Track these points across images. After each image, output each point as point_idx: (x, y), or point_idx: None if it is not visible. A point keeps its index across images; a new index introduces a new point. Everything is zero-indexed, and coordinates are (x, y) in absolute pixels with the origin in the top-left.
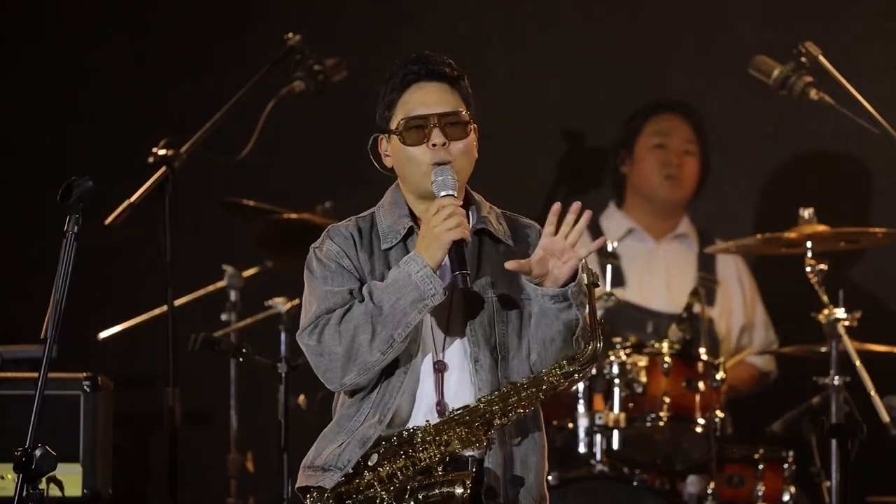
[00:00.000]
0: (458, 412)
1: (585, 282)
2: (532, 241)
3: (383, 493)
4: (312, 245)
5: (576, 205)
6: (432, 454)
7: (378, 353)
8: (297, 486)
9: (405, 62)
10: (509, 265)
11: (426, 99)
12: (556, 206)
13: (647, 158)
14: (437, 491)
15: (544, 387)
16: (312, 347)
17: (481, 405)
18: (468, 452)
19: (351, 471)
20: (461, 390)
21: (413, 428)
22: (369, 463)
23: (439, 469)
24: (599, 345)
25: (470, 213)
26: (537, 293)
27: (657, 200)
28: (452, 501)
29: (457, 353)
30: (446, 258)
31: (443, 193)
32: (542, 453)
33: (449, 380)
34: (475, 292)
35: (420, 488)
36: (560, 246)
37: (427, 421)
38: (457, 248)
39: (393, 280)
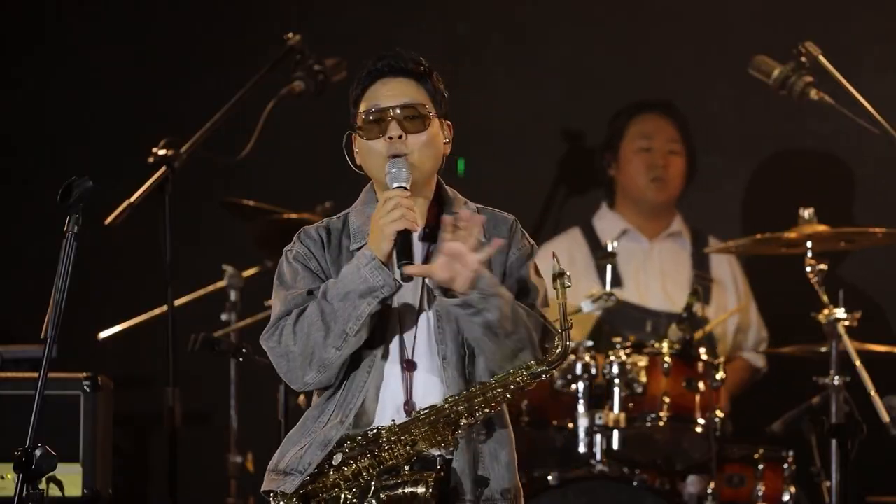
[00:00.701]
0: (425, 412)
1: (556, 284)
2: (503, 235)
3: (347, 492)
4: (285, 249)
5: (464, 212)
6: (398, 454)
7: (333, 349)
8: (262, 489)
9: (375, 58)
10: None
11: (387, 93)
12: (449, 218)
13: (632, 161)
14: (400, 491)
15: (511, 387)
16: (273, 350)
17: (447, 405)
18: (436, 452)
19: (315, 471)
20: (431, 389)
21: (378, 427)
22: (334, 463)
23: (406, 469)
24: (569, 344)
25: (443, 207)
26: (441, 302)
27: (645, 202)
28: (416, 501)
29: (426, 351)
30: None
31: (394, 185)
32: (511, 447)
33: (418, 379)
34: (446, 289)
35: (384, 488)
36: (455, 249)
37: (393, 420)
38: (403, 239)
39: (343, 275)
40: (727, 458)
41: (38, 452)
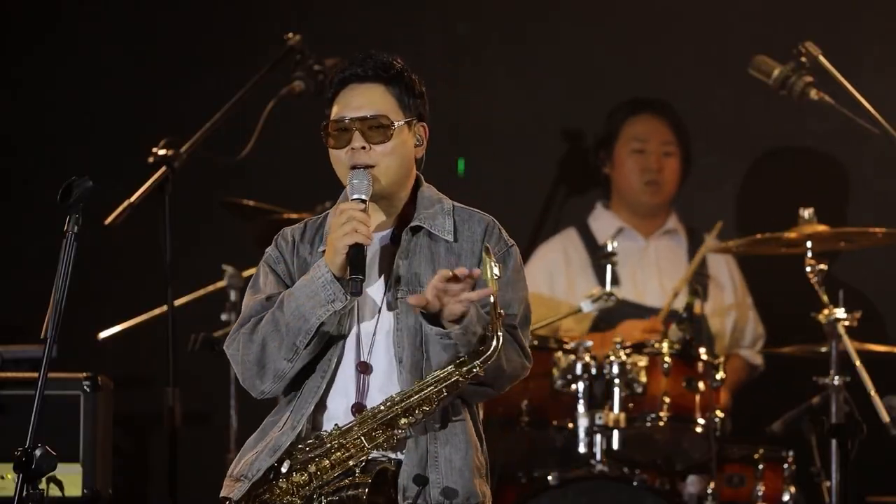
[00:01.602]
0: (364, 414)
1: (487, 276)
2: (477, 236)
3: (297, 499)
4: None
5: (460, 270)
6: (343, 457)
7: (284, 361)
8: (220, 495)
9: (346, 61)
10: (411, 300)
11: (350, 101)
12: (445, 272)
13: (626, 163)
14: (343, 494)
15: (446, 383)
16: (233, 356)
17: (384, 406)
18: (390, 454)
19: (263, 478)
20: (385, 392)
21: (322, 433)
22: (282, 470)
23: (357, 471)
24: (499, 343)
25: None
26: (425, 327)
27: (640, 204)
28: None
29: (383, 354)
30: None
31: (353, 197)
32: (470, 453)
33: (373, 382)
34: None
35: (329, 493)
36: (454, 289)
37: (336, 425)
38: (355, 252)
39: (297, 286)
40: (727, 458)
41: (38, 452)
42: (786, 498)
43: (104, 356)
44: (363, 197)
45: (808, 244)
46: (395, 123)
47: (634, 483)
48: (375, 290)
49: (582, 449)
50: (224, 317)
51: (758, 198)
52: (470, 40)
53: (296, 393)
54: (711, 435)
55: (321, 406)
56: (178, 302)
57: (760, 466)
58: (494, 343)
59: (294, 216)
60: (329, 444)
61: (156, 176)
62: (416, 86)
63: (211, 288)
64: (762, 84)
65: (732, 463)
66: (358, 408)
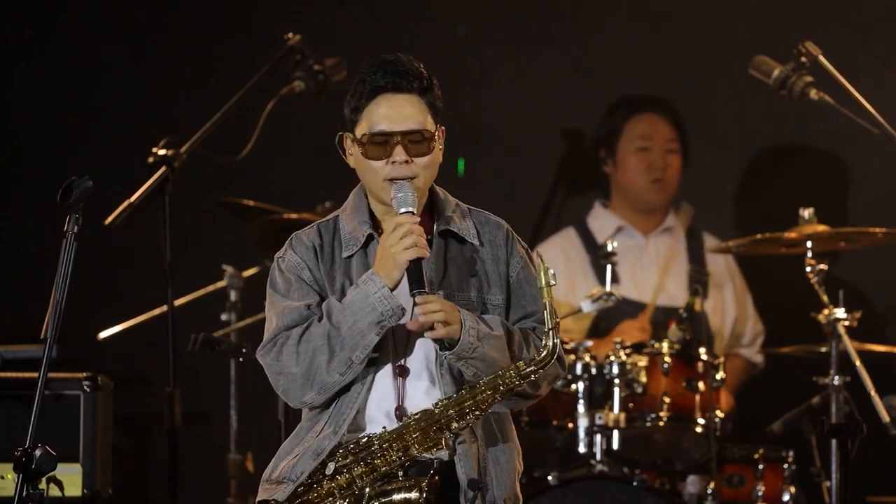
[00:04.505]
0: (416, 417)
1: (542, 283)
2: (500, 241)
3: (342, 501)
4: (276, 255)
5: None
6: (391, 460)
7: (337, 375)
8: (256, 499)
9: (376, 66)
10: (410, 326)
11: (391, 114)
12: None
13: (630, 162)
14: (394, 497)
15: (501, 388)
16: (271, 366)
17: (437, 409)
18: (433, 455)
19: (307, 481)
20: (423, 395)
21: (370, 435)
22: (326, 472)
23: (400, 474)
24: (557, 342)
25: (434, 214)
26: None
27: (644, 202)
28: None
29: (419, 357)
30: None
31: (402, 210)
32: (513, 455)
33: (410, 385)
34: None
35: (378, 495)
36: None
37: (384, 427)
38: (414, 266)
39: (351, 301)
40: (727, 458)
41: (38, 452)
42: (786, 498)
43: (104, 356)
44: (412, 209)
45: (808, 244)
46: (435, 136)
47: (634, 483)
48: (408, 293)
49: (582, 449)
50: (224, 317)
51: (758, 198)
52: (470, 40)
53: (333, 397)
54: (711, 435)
55: (360, 410)
56: (178, 302)
57: (760, 466)
58: (550, 348)
59: (294, 216)
60: (378, 446)
61: (156, 176)
62: (440, 90)
63: (211, 288)
64: (762, 84)
65: (732, 463)
66: (400, 411)
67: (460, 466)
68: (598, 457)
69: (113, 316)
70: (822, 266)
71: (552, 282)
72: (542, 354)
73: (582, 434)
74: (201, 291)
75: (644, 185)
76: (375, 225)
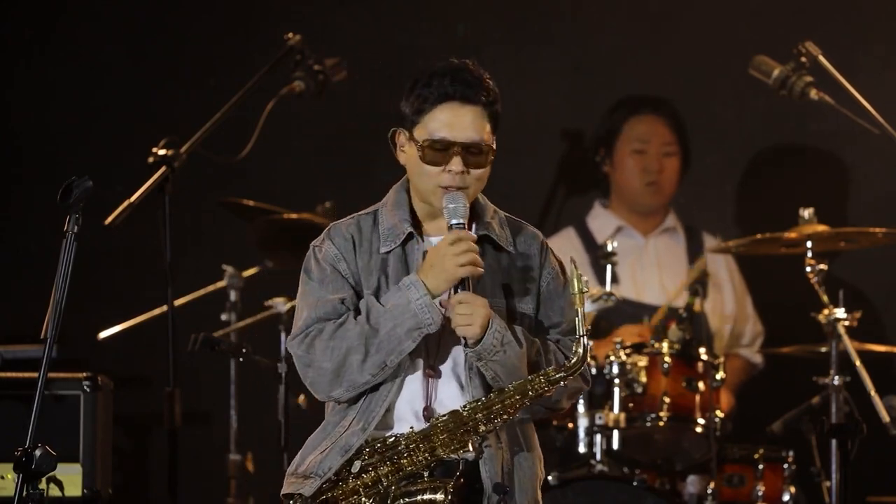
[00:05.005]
0: (444, 418)
1: (575, 290)
2: (534, 252)
3: (367, 499)
4: (313, 243)
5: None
6: (417, 460)
7: (368, 375)
8: (281, 493)
9: (444, 71)
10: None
11: (455, 122)
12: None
13: (627, 163)
14: (419, 497)
15: (530, 393)
16: (301, 357)
17: (465, 411)
18: (459, 456)
19: (333, 477)
20: (452, 396)
21: (397, 434)
22: (352, 470)
23: (426, 475)
24: (588, 348)
25: (473, 218)
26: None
27: (639, 204)
28: None
29: (450, 359)
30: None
31: (453, 222)
32: (535, 462)
33: (439, 386)
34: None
35: (403, 495)
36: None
37: (411, 427)
38: (463, 282)
39: (392, 305)
40: (727, 458)
41: (38, 452)
42: (786, 498)
43: (104, 356)
44: (463, 221)
45: (808, 244)
46: (492, 149)
47: (634, 483)
48: (441, 296)
49: (582, 449)
50: (224, 317)
51: (758, 198)
52: (470, 40)
53: (362, 393)
54: (711, 435)
55: (390, 408)
56: (178, 302)
57: (760, 466)
58: (580, 355)
59: (294, 216)
60: (404, 446)
61: (156, 176)
62: (500, 105)
63: (211, 288)
64: (762, 84)
65: (732, 463)
66: (428, 412)
67: (485, 470)
68: (598, 457)
69: (113, 316)
70: (822, 266)
71: (585, 289)
72: (573, 361)
73: (582, 434)
74: (201, 291)
75: (639, 188)
76: (416, 223)
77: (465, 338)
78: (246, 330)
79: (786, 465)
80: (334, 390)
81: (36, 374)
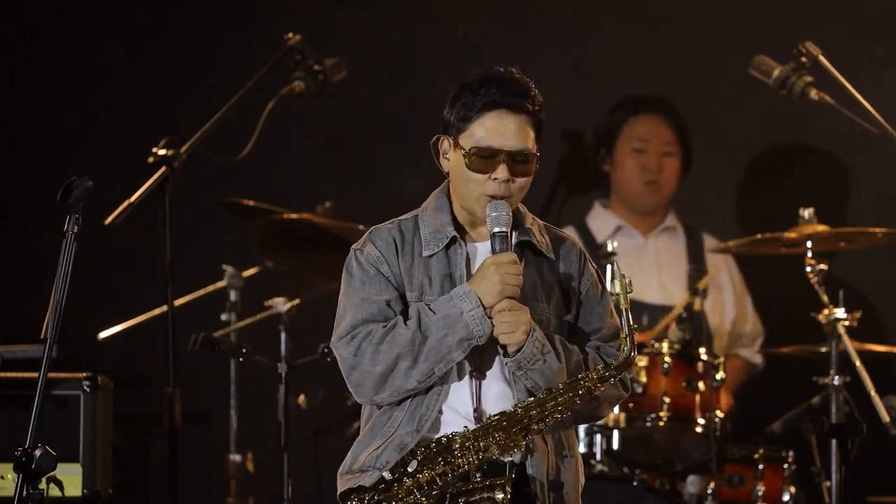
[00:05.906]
0: (496, 418)
1: (618, 290)
2: (573, 259)
3: (423, 499)
4: (353, 246)
5: None
6: (471, 460)
7: (415, 382)
8: (338, 493)
9: (491, 79)
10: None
11: (502, 130)
12: None
13: (626, 162)
14: (477, 497)
15: (581, 391)
16: (347, 360)
17: (519, 410)
18: (506, 458)
19: (389, 472)
20: (499, 396)
21: (452, 434)
22: (408, 469)
23: (477, 475)
24: (633, 351)
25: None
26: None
27: (639, 204)
28: None
29: (495, 361)
30: None
31: (496, 230)
32: (577, 467)
33: (485, 387)
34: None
35: (460, 494)
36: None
37: (465, 427)
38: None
39: (444, 314)
40: (727, 458)
41: (38, 452)
42: (786, 498)
43: (104, 356)
44: (506, 229)
45: (808, 244)
46: (537, 157)
47: (634, 483)
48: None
49: (582, 449)
50: (224, 317)
51: (758, 198)
52: (470, 40)
53: (409, 396)
54: (711, 435)
55: (441, 411)
56: (178, 302)
57: (760, 466)
58: (626, 353)
59: (294, 216)
60: (459, 445)
61: (156, 176)
62: (544, 113)
63: (211, 288)
64: (762, 84)
65: (732, 463)
66: (479, 413)
67: (533, 471)
68: (598, 457)
69: (113, 316)
70: (822, 266)
71: (629, 289)
72: (621, 359)
73: (582, 434)
74: (201, 291)
75: (638, 187)
76: (458, 228)
77: (505, 346)
78: (246, 330)
79: (786, 465)
80: (379, 394)
81: (36, 374)
